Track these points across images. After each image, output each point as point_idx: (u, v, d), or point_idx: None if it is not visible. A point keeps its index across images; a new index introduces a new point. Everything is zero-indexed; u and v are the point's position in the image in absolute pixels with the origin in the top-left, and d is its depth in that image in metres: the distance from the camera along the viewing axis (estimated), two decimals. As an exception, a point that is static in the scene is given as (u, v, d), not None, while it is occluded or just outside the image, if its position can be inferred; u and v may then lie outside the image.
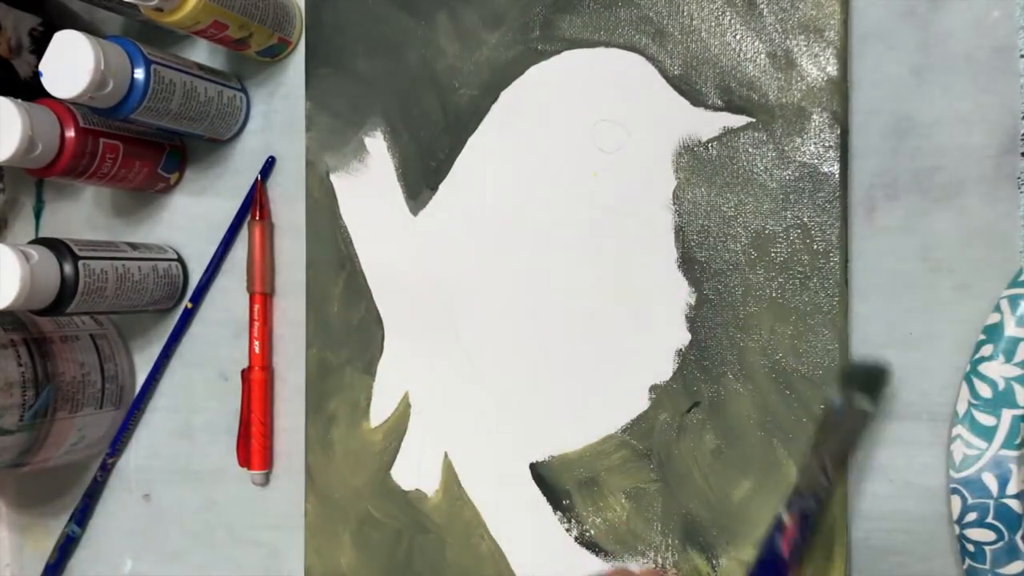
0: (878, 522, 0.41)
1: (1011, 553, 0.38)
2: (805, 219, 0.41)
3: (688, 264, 0.43)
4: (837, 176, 0.41)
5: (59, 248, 0.45)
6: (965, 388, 0.39)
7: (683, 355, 0.43)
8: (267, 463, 0.51)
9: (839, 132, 0.41)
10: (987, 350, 0.38)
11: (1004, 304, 0.38)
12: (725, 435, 0.42)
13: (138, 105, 0.44)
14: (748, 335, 0.42)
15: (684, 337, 0.43)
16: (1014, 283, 0.38)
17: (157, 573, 0.53)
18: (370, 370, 0.48)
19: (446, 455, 0.47)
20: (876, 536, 0.41)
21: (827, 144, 0.41)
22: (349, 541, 0.48)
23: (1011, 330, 0.38)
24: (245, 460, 0.51)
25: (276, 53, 0.50)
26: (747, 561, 0.42)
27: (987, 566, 0.38)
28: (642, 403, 0.43)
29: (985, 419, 0.38)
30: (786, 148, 0.41)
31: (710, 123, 0.42)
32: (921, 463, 0.41)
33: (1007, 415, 0.38)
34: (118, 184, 0.50)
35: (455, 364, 0.47)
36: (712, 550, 0.42)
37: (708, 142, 0.42)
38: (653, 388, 0.43)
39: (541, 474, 0.45)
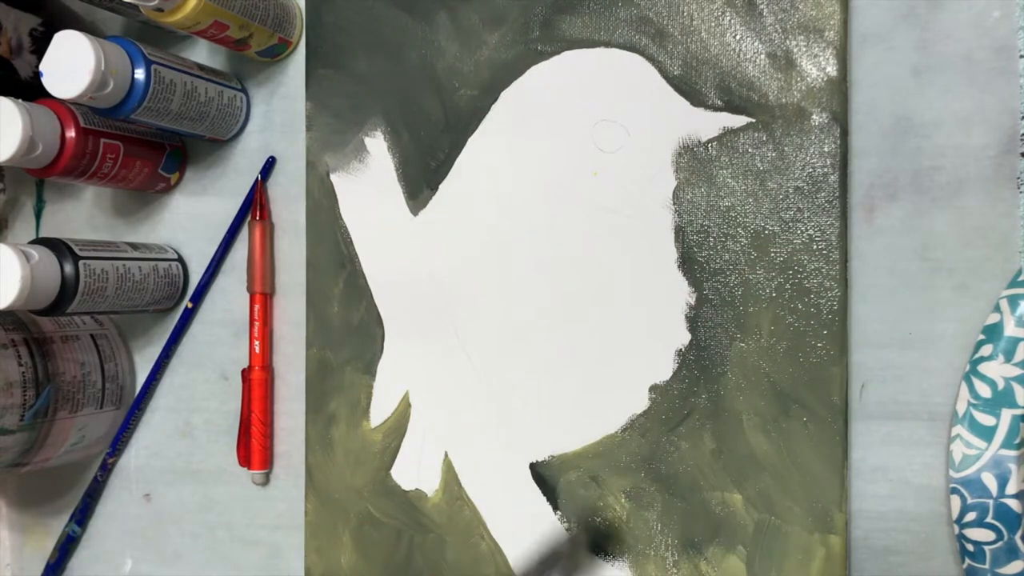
0: (878, 522, 0.41)
1: (1011, 553, 0.38)
2: (805, 219, 0.41)
3: (688, 264, 0.43)
4: (837, 176, 0.41)
5: (59, 248, 0.45)
6: (965, 388, 0.39)
7: (683, 355, 0.43)
8: (267, 463, 0.51)
9: (839, 132, 0.41)
10: (987, 350, 0.38)
11: (1004, 304, 0.38)
12: (724, 435, 0.42)
13: (138, 105, 0.44)
14: (748, 335, 0.42)
15: (684, 337, 0.43)
16: (1014, 283, 0.38)
17: (157, 573, 0.53)
18: (370, 370, 0.48)
19: (446, 455, 0.47)
20: (876, 536, 0.42)
21: (827, 144, 0.41)
22: (349, 541, 0.48)
23: (1011, 330, 0.38)
24: (245, 460, 0.51)
25: (276, 53, 0.50)
26: (745, 562, 0.42)
27: (987, 566, 0.38)
28: (642, 403, 0.43)
29: (985, 419, 0.38)
30: (786, 148, 0.41)
31: (710, 123, 0.42)
32: (921, 463, 0.41)
33: (1007, 415, 0.38)
34: (118, 184, 0.50)
35: (455, 364, 0.47)
36: (712, 550, 0.42)
37: (708, 142, 0.43)
38: (653, 388, 0.43)
39: (541, 474, 0.45)
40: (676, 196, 0.43)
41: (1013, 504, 0.38)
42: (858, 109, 0.42)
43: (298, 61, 0.51)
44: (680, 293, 0.43)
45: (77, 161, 0.46)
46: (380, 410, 0.48)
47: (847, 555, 0.41)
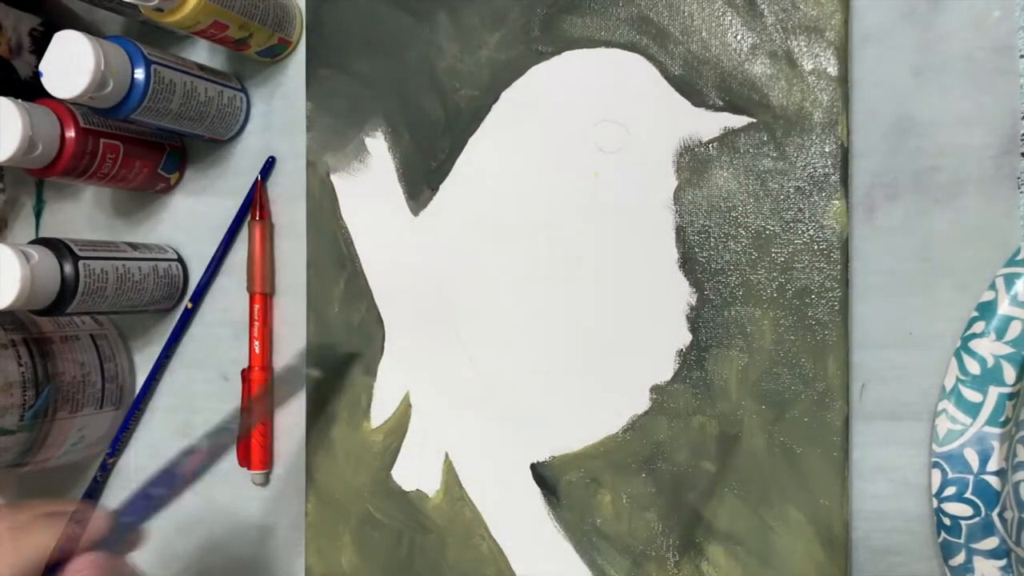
0: (878, 522, 0.41)
1: (986, 529, 0.38)
2: (806, 219, 0.41)
3: (689, 264, 0.43)
4: (837, 176, 0.41)
5: (59, 248, 0.45)
6: (954, 363, 0.39)
7: (684, 355, 0.43)
8: (267, 463, 0.51)
9: (839, 132, 0.41)
10: (979, 327, 0.38)
11: (999, 282, 0.38)
12: (725, 436, 0.42)
13: (138, 105, 0.44)
14: (749, 335, 0.42)
15: (685, 337, 0.43)
16: (1010, 262, 0.38)
17: (157, 573, 0.53)
18: (370, 370, 0.48)
19: (447, 455, 0.47)
20: (876, 536, 0.42)
21: (827, 144, 0.41)
22: (349, 541, 0.48)
23: (1004, 308, 0.38)
24: (245, 460, 0.51)
25: (276, 53, 0.50)
26: (746, 562, 0.42)
27: (962, 540, 0.38)
28: (643, 403, 0.43)
29: (971, 395, 0.38)
30: (787, 148, 0.41)
31: (711, 123, 0.42)
32: (921, 463, 0.41)
33: (994, 392, 0.38)
34: (118, 184, 0.50)
35: (456, 364, 0.47)
36: (713, 551, 0.42)
37: (709, 142, 0.43)
38: (654, 388, 0.43)
39: (541, 474, 0.45)
40: (677, 196, 0.43)
41: (993, 481, 0.38)
42: (858, 109, 0.42)
43: (298, 61, 0.51)
44: (681, 293, 0.43)
45: (77, 161, 0.46)
46: (380, 410, 0.48)
47: (847, 555, 0.41)
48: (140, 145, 0.49)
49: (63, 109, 0.45)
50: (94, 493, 0.54)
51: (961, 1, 0.40)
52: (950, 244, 0.40)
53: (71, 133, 0.45)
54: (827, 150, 0.41)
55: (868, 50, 0.42)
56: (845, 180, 0.41)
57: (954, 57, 0.40)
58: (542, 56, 0.45)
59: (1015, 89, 0.40)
